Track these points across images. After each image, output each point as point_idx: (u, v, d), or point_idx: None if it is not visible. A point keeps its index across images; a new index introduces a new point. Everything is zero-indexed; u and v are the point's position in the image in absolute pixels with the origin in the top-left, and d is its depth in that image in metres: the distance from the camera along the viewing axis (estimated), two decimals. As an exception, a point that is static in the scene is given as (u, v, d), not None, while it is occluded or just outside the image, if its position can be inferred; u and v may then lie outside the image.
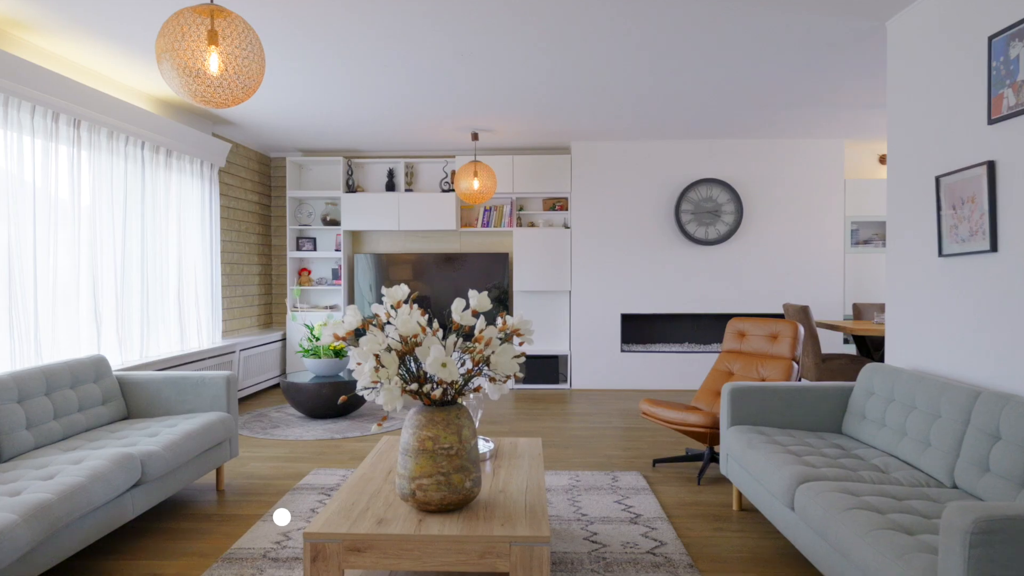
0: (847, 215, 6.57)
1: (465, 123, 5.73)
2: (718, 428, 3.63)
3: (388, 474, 2.45)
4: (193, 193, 5.42)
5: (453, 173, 6.96)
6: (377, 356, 1.95)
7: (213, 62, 2.43)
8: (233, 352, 5.64)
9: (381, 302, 6.48)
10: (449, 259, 6.91)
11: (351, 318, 2.06)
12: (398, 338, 2.02)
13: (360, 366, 1.98)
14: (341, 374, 5.40)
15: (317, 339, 5.41)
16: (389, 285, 6.94)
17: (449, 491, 1.99)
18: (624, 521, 3.03)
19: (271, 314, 7.23)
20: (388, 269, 6.93)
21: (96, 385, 3.35)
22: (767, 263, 6.59)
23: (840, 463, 2.59)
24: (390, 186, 6.99)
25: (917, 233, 3.17)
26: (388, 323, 2.08)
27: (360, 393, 1.98)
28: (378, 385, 1.97)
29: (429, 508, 2.01)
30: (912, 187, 3.21)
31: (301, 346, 5.37)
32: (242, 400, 6.07)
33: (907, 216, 3.25)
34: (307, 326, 5.72)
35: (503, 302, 6.86)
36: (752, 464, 2.78)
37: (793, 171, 6.55)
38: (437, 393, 2.01)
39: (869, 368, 3.11)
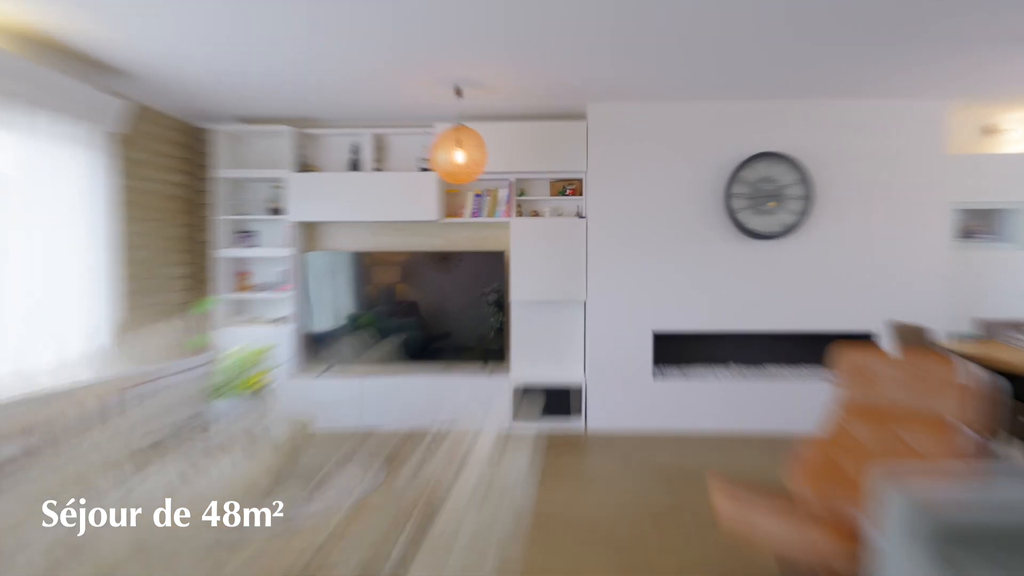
0: (949, 201, 5.01)
1: (445, 72, 4.18)
2: (856, 544, 2.12)
3: None
4: (68, 166, 3.89)
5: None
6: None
7: None
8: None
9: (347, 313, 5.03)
10: (431, 258, 5.38)
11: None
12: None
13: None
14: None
15: (235, 369, 3.90)
16: (355, 291, 5.40)
17: None
18: None
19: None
20: (352, 271, 5.40)
21: None
22: (844, 264, 5.03)
23: None
24: (353, 164, 5.45)
25: None
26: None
27: None
28: None
29: None
30: None
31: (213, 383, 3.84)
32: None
33: None
34: (234, 350, 4.24)
35: (500, 307, 5.32)
36: None
37: (880, 143, 4.98)
38: None
39: None
